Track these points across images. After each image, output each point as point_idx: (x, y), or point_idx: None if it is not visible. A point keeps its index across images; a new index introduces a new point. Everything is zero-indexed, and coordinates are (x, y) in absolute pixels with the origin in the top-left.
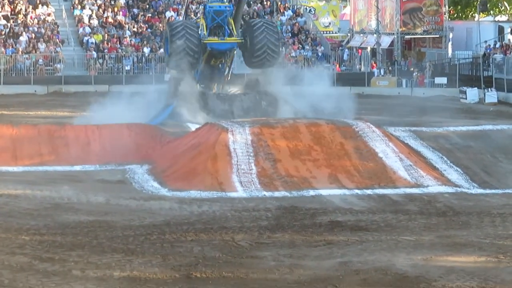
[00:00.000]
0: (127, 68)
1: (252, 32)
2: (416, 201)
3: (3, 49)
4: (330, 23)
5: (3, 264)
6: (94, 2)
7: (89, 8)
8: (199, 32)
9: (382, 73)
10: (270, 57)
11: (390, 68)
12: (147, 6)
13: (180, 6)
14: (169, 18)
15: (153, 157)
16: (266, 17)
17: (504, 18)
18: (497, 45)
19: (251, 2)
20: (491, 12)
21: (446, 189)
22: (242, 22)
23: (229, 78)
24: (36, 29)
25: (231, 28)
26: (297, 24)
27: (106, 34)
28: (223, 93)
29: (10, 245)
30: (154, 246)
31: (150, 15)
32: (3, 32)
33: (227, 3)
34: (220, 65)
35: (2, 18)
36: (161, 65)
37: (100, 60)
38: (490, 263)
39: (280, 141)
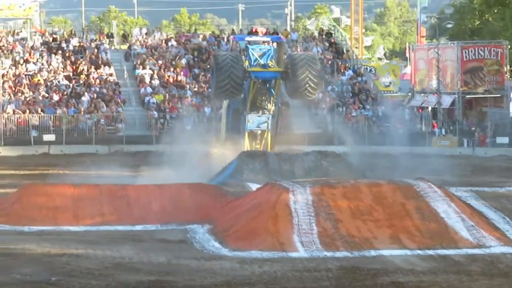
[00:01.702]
0: (188, 128)
1: (293, 65)
2: (479, 261)
3: (65, 109)
4: (390, 83)
5: None
6: (155, 62)
7: (150, 68)
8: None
9: (443, 133)
10: (311, 88)
11: (451, 127)
12: (208, 66)
13: None
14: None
15: (214, 217)
16: (327, 77)
17: None
18: None
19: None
20: None
21: (508, 250)
22: (285, 57)
23: (277, 131)
24: (98, 89)
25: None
26: (357, 84)
27: (167, 94)
28: (284, 153)
29: None
30: None
31: (210, 75)
32: (65, 92)
33: (267, 46)
34: (265, 110)
35: (64, 78)
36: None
37: (161, 120)
38: None
39: (341, 201)
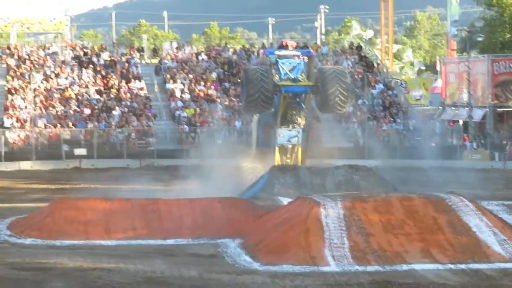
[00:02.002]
0: (219, 141)
1: (323, 78)
2: (511, 276)
3: (96, 123)
4: (421, 96)
5: None
6: (186, 76)
7: (181, 82)
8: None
9: (474, 147)
10: (341, 102)
11: (482, 141)
12: (238, 80)
13: None
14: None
15: (245, 231)
16: (357, 90)
17: None
18: None
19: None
20: None
21: None
22: (315, 70)
23: (308, 145)
24: (129, 103)
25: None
26: (388, 98)
27: (197, 108)
28: (315, 167)
29: None
30: None
31: (240, 88)
32: (96, 106)
33: (297, 60)
34: (296, 124)
35: (95, 92)
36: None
37: (192, 134)
38: None
39: (372, 215)
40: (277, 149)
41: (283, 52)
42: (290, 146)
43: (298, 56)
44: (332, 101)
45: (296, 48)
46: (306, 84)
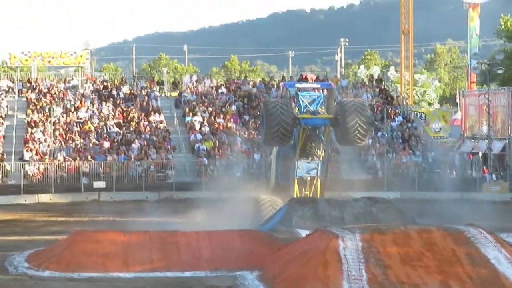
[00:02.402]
0: (238, 174)
1: (343, 111)
2: None
3: (115, 156)
4: (441, 129)
5: None
6: (205, 109)
7: (201, 115)
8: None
9: (494, 179)
10: (361, 135)
11: (502, 173)
12: (258, 113)
13: None
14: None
15: (264, 263)
16: (376, 123)
17: None
18: None
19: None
20: None
21: None
22: (335, 103)
23: (327, 177)
24: (148, 136)
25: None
26: (407, 130)
27: (217, 141)
28: (333, 199)
29: None
30: None
31: (259, 121)
32: (115, 139)
33: (317, 93)
34: (315, 156)
35: (115, 125)
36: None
37: (211, 167)
38: None
39: (391, 248)
40: (296, 181)
41: (303, 85)
42: (309, 178)
43: (318, 89)
44: (352, 134)
45: (316, 81)
46: (325, 117)
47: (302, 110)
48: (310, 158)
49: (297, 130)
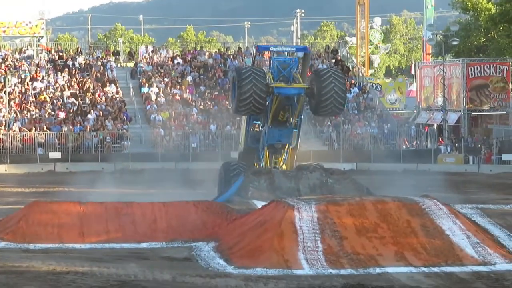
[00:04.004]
0: (194, 145)
1: (319, 80)
2: (484, 279)
3: (71, 127)
4: (396, 100)
5: None
6: (161, 80)
7: (156, 86)
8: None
9: (448, 150)
10: (337, 103)
11: (456, 145)
12: (214, 83)
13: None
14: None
15: (219, 235)
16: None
17: None
18: None
19: None
20: None
21: None
22: (309, 73)
23: (298, 150)
24: (104, 107)
25: (297, 78)
26: (363, 101)
27: (173, 112)
28: (289, 170)
29: None
30: None
31: (216, 92)
32: (71, 110)
33: (292, 57)
34: (288, 123)
35: (70, 96)
36: (227, 142)
37: (167, 137)
38: None
39: (346, 219)
40: (266, 148)
41: (277, 49)
42: (280, 146)
43: (292, 52)
44: (328, 105)
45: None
46: (300, 86)
47: (276, 76)
48: (282, 126)
49: (269, 98)
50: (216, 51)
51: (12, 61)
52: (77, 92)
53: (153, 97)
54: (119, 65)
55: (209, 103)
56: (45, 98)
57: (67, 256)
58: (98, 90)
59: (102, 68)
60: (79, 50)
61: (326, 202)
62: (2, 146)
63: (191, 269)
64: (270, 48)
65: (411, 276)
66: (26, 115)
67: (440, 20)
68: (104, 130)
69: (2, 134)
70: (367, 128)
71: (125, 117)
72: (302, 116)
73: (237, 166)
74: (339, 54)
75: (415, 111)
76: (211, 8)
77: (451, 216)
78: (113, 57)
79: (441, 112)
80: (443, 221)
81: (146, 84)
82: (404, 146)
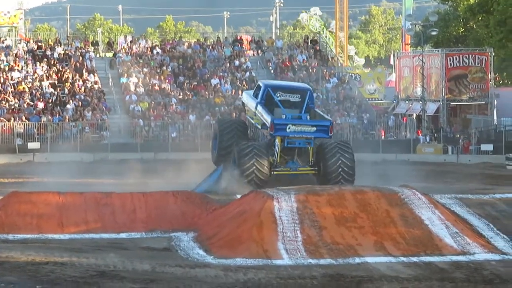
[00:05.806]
0: (173, 135)
1: (325, 155)
2: (463, 268)
3: (50, 117)
4: (375, 90)
5: None
6: (140, 70)
7: (136, 76)
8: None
9: (427, 140)
10: (346, 178)
11: (435, 135)
12: (193, 73)
13: (226, 74)
14: (215, 85)
15: (199, 225)
16: (312, 84)
17: None
18: None
19: (297, 70)
20: None
21: (492, 257)
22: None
23: None
24: (83, 97)
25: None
26: (342, 91)
27: (152, 102)
28: None
29: None
30: None
31: (195, 82)
32: (50, 100)
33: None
34: None
35: (49, 86)
36: (206, 132)
37: (146, 128)
38: None
39: (325, 209)
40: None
41: (283, 98)
42: None
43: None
44: (336, 180)
45: (251, 42)
46: (307, 171)
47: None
48: None
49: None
50: (195, 41)
51: None
52: (56, 82)
53: (132, 87)
54: (98, 55)
55: (188, 93)
56: (23, 88)
57: (46, 246)
58: (77, 80)
59: (81, 58)
60: (57, 40)
61: (305, 192)
62: None
63: (171, 259)
64: (273, 85)
65: (390, 266)
66: (5, 105)
67: (419, 10)
68: (83, 121)
69: None
70: (346, 119)
71: (104, 107)
72: None
73: (232, 123)
74: (318, 44)
75: (394, 101)
76: None
77: (430, 206)
78: (92, 47)
79: (420, 102)
80: (422, 211)
81: (125, 74)
82: (382, 137)
